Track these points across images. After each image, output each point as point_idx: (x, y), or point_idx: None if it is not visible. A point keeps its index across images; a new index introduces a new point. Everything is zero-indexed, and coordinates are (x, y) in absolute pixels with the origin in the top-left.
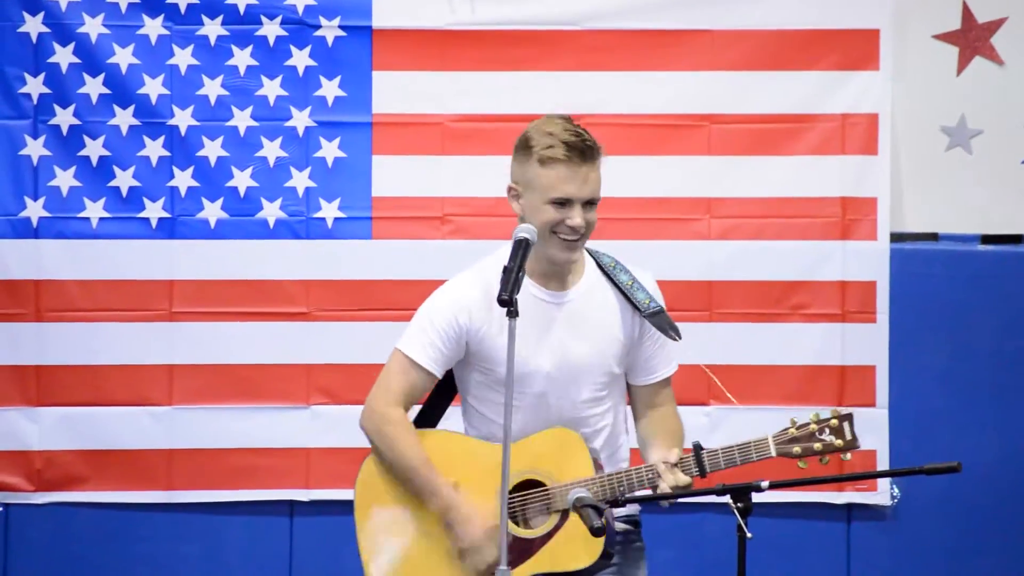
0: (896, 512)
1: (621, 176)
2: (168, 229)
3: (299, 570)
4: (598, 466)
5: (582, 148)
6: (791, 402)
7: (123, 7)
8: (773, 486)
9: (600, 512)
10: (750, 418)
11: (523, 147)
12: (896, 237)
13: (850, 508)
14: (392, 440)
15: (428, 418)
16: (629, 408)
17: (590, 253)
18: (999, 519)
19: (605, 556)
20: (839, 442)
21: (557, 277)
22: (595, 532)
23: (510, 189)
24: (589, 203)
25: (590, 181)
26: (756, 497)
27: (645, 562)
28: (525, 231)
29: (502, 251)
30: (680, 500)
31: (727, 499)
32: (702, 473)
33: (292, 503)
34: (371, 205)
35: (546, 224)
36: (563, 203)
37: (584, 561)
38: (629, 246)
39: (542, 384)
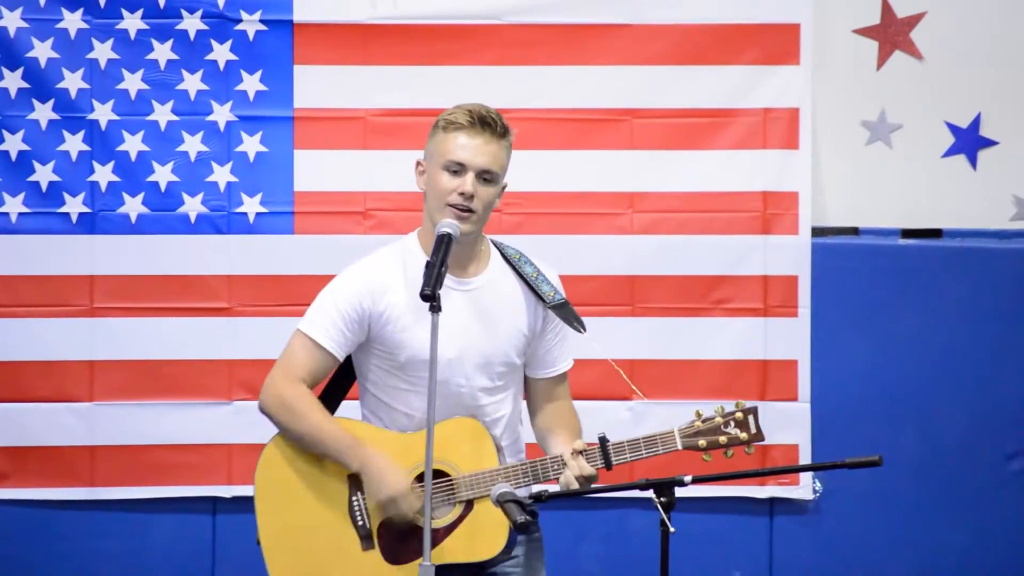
0: (818, 506)
1: (543, 171)
2: (88, 224)
3: (222, 566)
4: (501, 456)
5: (485, 119)
6: (713, 396)
7: (42, 1)
8: (696, 480)
9: (523, 506)
10: (672, 412)
11: (434, 124)
12: (817, 231)
13: (772, 502)
14: (298, 411)
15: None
16: (524, 403)
17: (495, 244)
18: (920, 513)
19: (507, 548)
20: (744, 435)
21: (461, 264)
22: (518, 527)
23: (417, 164)
24: (485, 178)
25: (488, 153)
26: (679, 491)
27: (543, 551)
28: (448, 226)
29: (407, 238)
30: (603, 495)
31: (650, 494)
32: (608, 465)
33: (215, 499)
34: (293, 200)
35: (439, 193)
36: (457, 169)
37: (487, 552)
38: (552, 240)
39: (445, 370)
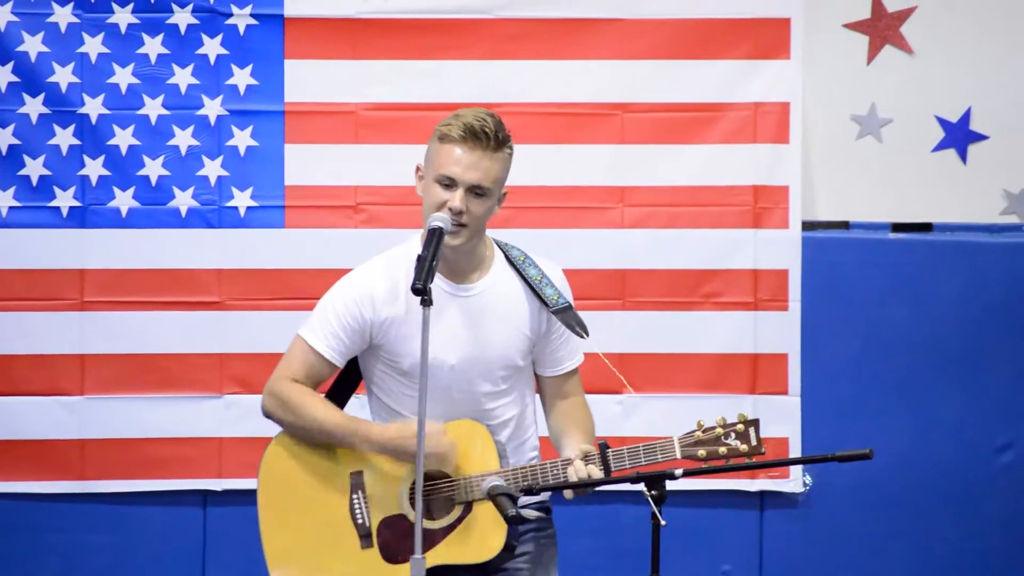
0: (808, 499)
1: (535, 165)
2: (79, 218)
3: (212, 560)
4: (503, 459)
5: (478, 133)
6: (704, 390)
7: None
8: (687, 474)
9: (514, 500)
10: (663, 406)
11: (434, 130)
12: (808, 225)
13: (763, 495)
14: (300, 406)
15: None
16: (538, 397)
17: (499, 246)
18: (910, 506)
19: (507, 549)
20: (744, 447)
21: (462, 270)
22: (509, 520)
23: (417, 169)
24: (477, 192)
25: (480, 168)
26: (670, 485)
27: (556, 549)
28: (439, 220)
29: (411, 241)
30: (594, 489)
31: (641, 487)
32: (606, 472)
33: (205, 493)
34: (284, 194)
35: (431, 204)
36: (448, 184)
37: (485, 554)
38: (543, 235)
39: (446, 377)
